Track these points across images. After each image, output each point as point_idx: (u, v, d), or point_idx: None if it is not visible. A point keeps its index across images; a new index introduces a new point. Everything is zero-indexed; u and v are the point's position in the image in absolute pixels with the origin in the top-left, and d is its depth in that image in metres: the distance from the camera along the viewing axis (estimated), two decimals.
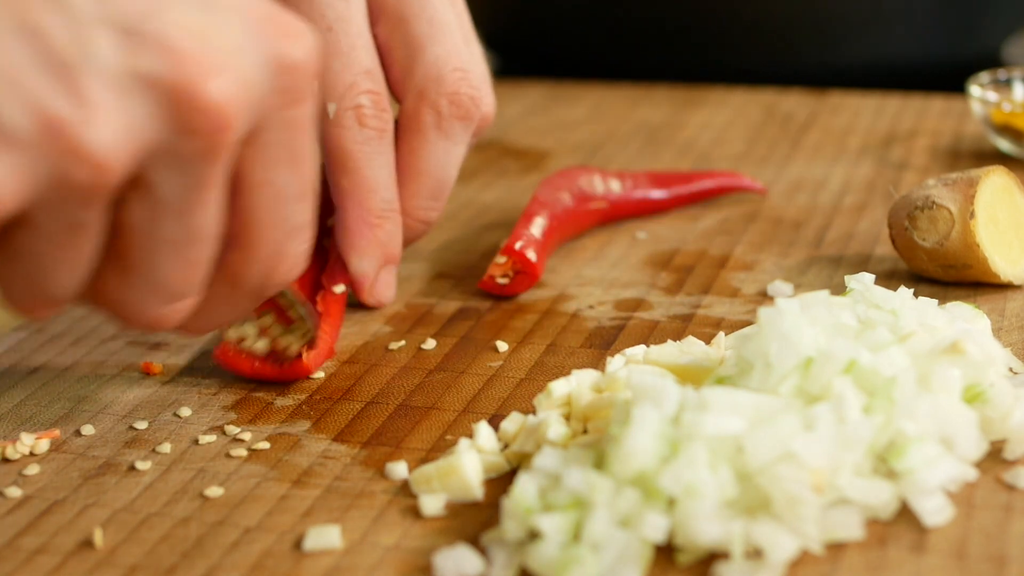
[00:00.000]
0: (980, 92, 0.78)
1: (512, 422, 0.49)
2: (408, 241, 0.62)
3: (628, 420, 0.43)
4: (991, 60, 1.01)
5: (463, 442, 0.48)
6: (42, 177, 0.38)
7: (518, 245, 0.62)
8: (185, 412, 0.53)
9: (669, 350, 0.51)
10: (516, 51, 1.09)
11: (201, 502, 0.47)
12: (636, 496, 0.41)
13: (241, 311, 0.47)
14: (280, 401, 0.54)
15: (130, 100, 0.38)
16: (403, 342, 0.59)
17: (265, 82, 0.42)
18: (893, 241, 0.62)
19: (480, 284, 0.63)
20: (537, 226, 0.64)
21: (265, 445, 0.50)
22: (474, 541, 0.44)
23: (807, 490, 0.41)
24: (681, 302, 0.62)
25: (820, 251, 0.67)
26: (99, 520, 0.46)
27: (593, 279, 0.65)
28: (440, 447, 0.50)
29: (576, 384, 0.50)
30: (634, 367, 0.49)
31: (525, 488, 0.43)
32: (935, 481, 0.43)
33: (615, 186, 0.71)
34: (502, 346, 0.58)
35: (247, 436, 0.51)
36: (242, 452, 0.50)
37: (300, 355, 0.55)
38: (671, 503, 0.42)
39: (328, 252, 0.62)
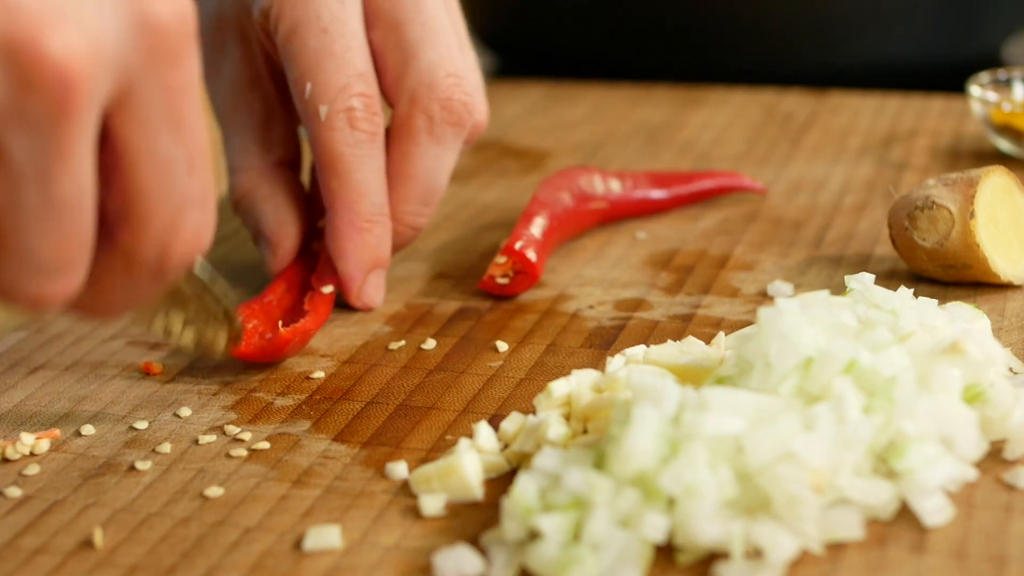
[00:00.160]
0: (980, 92, 0.78)
1: (512, 422, 0.49)
2: (397, 246, 0.62)
3: (628, 420, 0.43)
4: (991, 60, 1.01)
5: (463, 442, 0.48)
6: None
7: (518, 245, 0.62)
8: (185, 412, 0.53)
9: (669, 350, 0.51)
10: (516, 51, 1.09)
11: (201, 502, 0.47)
12: (636, 496, 0.41)
13: (143, 292, 0.44)
14: (280, 401, 0.54)
15: None
16: (403, 342, 0.59)
17: (127, 40, 0.39)
18: (893, 241, 0.62)
19: (480, 284, 0.63)
20: (537, 226, 0.64)
21: (265, 445, 0.50)
22: (474, 541, 0.44)
23: (807, 490, 0.41)
24: (681, 302, 0.62)
25: (820, 251, 0.67)
26: (99, 520, 0.46)
27: (593, 279, 0.65)
28: (440, 447, 0.50)
29: (576, 384, 0.50)
30: (634, 367, 0.49)
31: (525, 488, 0.43)
32: (935, 481, 0.43)
33: (615, 186, 0.71)
34: (502, 346, 0.58)
35: (247, 436, 0.51)
36: (242, 452, 0.50)
37: (230, 345, 0.52)
38: (671, 503, 0.42)
39: (318, 254, 0.62)
